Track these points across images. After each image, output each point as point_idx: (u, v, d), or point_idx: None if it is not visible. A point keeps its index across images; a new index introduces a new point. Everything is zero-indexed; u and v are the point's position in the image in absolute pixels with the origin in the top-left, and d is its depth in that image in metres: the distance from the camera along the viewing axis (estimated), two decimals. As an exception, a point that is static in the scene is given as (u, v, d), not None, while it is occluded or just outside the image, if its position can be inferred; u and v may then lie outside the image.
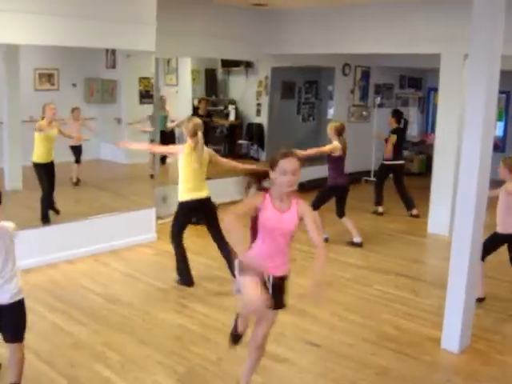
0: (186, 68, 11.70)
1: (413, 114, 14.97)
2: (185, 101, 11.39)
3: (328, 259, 7.65)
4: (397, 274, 7.31)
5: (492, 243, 6.05)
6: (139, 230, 8.11)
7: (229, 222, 3.82)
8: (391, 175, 10.38)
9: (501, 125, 13.94)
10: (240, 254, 3.82)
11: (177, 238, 6.65)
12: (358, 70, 13.08)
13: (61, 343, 5.22)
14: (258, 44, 10.60)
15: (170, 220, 6.96)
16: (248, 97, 12.31)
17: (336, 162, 8.18)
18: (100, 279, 6.85)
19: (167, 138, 10.09)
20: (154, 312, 5.96)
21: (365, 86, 13.35)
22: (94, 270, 7.16)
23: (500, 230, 6.18)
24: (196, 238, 7.71)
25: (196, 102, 11.63)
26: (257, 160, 12.02)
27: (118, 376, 4.69)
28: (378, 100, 13.36)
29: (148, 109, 9.12)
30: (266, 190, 3.89)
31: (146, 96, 9.21)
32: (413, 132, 14.83)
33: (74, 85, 9.06)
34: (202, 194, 6.54)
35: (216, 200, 6.93)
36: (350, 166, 9.42)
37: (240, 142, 12.64)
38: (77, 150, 8.84)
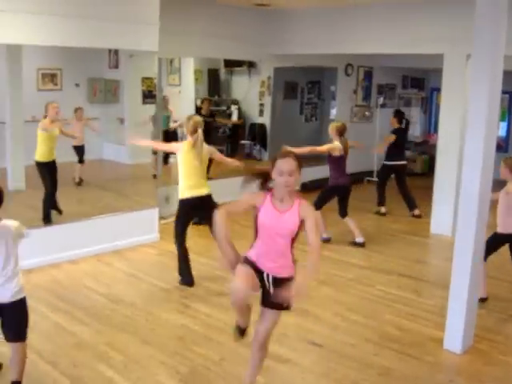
0: (188, 68, 11.71)
1: (415, 115, 14.96)
2: (188, 101, 11.40)
3: (330, 259, 7.72)
4: (399, 274, 7.31)
5: (493, 243, 6.04)
6: (142, 230, 8.11)
7: (217, 218, 3.93)
8: (393, 176, 10.37)
9: (504, 125, 13.93)
10: (222, 250, 3.91)
11: (180, 237, 6.66)
12: (361, 70, 13.07)
13: (63, 343, 5.23)
14: (261, 44, 10.60)
15: (172, 220, 6.96)
16: (251, 97, 12.32)
17: (337, 161, 8.19)
18: (103, 279, 6.86)
19: (170, 137, 10.09)
20: (157, 312, 5.97)
21: (367, 86, 13.35)
22: (96, 270, 7.17)
23: (500, 230, 6.18)
24: (198, 238, 7.72)
25: (199, 102, 11.65)
26: (259, 160, 12.04)
27: (121, 376, 4.69)
28: (381, 100, 13.35)
29: (151, 109, 9.13)
30: (269, 189, 3.90)
31: (148, 96, 9.22)
32: (415, 132, 14.82)
33: (77, 85, 9.08)
34: (202, 192, 6.53)
35: (218, 200, 6.91)
36: (352, 167, 9.45)
37: (243, 142, 12.66)
38: (80, 150, 8.85)
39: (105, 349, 5.13)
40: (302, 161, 3.87)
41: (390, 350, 5.27)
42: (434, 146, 10.45)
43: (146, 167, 9.55)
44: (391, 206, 10.33)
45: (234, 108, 12.68)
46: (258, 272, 3.95)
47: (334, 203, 8.41)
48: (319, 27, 10.20)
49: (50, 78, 8.65)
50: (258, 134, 12.24)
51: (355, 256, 7.98)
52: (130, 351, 5.11)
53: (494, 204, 5.70)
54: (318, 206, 8.17)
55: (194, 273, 6.78)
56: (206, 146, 6.54)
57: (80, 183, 9.00)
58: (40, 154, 7.79)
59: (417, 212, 10.02)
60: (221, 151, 11.50)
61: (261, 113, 12.07)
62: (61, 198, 7.86)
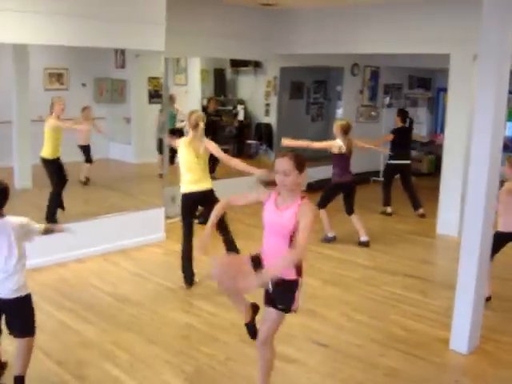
0: (195, 68, 11.72)
1: (422, 115, 14.93)
2: (194, 100, 11.40)
3: (336, 259, 7.72)
4: (405, 274, 7.30)
5: (495, 242, 6.01)
6: (148, 229, 8.12)
7: (218, 203, 4.31)
8: (398, 175, 10.36)
9: (510, 125, 13.88)
10: (206, 234, 4.22)
11: (183, 233, 6.67)
12: (367, 70, 13.06)
13: (69, 342, 5.24)
14: (267, 44, 10.60)
15: (178, 219, 6.96)
16: (257, 97, 12.32)
17: (339, 159, 8.22)
18: (109, 278, 6.87)
19: (176, 136, 10.11)
20: (163, 311, 5.97)
21: (374, 86, 13.33)
22: (103, 269, 7.18)
23: (501, 228, 6.15)
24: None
25: (205, 102, 11.65)
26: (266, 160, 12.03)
27: (127, 375, 4.70)
28: (387, 100, 13.34)
29: (157, 109, 9.16)
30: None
31: (155, 96, 9.25)
32: (422, 132, 14.79)
33: (84, 84, 9.09)
34: (201, 187, 6.51)
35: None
36: (358, 167, 9.44)
37: (249, 141, 12.66)
38: (86, 150, 8.86)
39: (111, 348, 5.15)
40: (304, 161, 3.86)
41: (395, 351, 5.27)
42: (440, 146, 10.42)
43: (152, 167, 9.57)
44: (397, 207, 10.31)
45: (240, 108, 12.68)
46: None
47: (340, 203, 8.41)
48: (325, 27, 10.19)
49: (57, 77, 8.67)
50: (264, 133, 12.23)
51: (361, 256, 7.97)
52: (136, 350, 5.12)
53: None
54: (322, 204, 8.19)
55: (198, 271, 6.77)
56: (206, 141, 6.52)
57: (86, 183, 9.01)
58: (47, 152, 7.82)
59: (421, 211, 10.00)
60: (226, 151, 11.56)
61: (267, 113, 12.06)
62: (67, 197, 7.88)
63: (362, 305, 6.33)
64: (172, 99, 10.54)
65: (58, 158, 7.90)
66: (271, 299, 4.07)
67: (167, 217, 8.51)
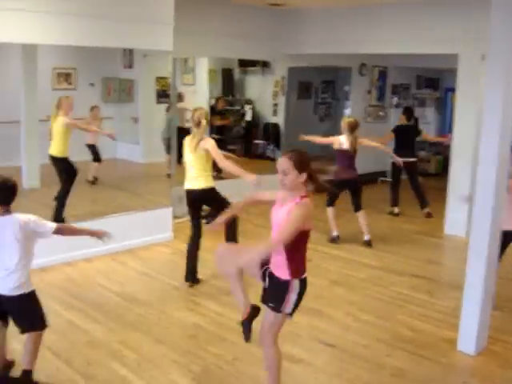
0: (203, 68, 11.74)
1: (430, 115, 14.89)
2: (202, 100, 11.41)
3: (342, 259, 7.72)
4: (412, 274, 7.29)
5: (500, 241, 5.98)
6: (156, 229, 8.14)
7: (245, 197, 4.45)
8: (406, 175, 10.34)
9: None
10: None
11: (193, 237, 6.69)
12: (375, 70, 13.03)
13: (77, 341, 5.26)
14: (275, 44, 10.60)
15: (186, 219, 6.97)
16: (265, 97, 12.32)
17: (341, 156, 8.28)
18: (116, 278, 6.89)
19: (184, 135, 10.12)
20: (170, 311, 5.99)
21: (381, 86, 13.29)
22: (110, 268, 7.20)
23: (505, 226, 6.11)
24: (210, 238, 7.70)
25: (213, 102, 11.67)
26: (273, 160, 12.03)
27: (135, 374, 4.72)
28: (395, 100, 13.31)
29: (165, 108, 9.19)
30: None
31: (163, 95, 9.26)
32: (430, 132, 14.75)
33: (92, 84, 9.11)
34: (199, 185, 6.51)
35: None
36: (366, 167, 9.44)
37: (256, 141, 12.67)
38: (93, 149, 8.88)
39: (118, 347, 5.16)
40: (306, 161, 3.86)
41: (402, 351, 5.26)
42: (448, 147, 10.39)
43: (159, 166, 9.58)
44: (405, 207, 10.29)
45: (247, 108, 12.69)
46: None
47: (349, 203, 8.41)
48: (333, 27, 10.19)
49: (65, 77, 8.70)
50: (272, 133, 12.24)
51: (368, 256, 7.96)
52: (144, 350, 5.13)
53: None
54: (329, 202, 8.22)
55: (206, 271, 6.81)
56: (206, 139, 6.45)
57: (94, 182, 9.03)
58: (58, 150, 7.83)
59: (427, 210, 9.98)
60: (233, 151, 11.57)
61: (274, 113, 12.06)
62: (75, 196, 7.88)
63: (368, 305, 6.32)
64: (180, 97, 10.56)
65: (67, 157, 7.93)
66: (266, 296, 4.12)
67: (175, 216, 8.52)
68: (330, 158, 8.58)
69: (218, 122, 11.54)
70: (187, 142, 6.58)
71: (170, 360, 4.97)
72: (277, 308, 4.01)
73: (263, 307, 4.20)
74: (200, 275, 6.76)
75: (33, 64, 7.61)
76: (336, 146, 8.23)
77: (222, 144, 10.25)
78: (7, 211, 4.19)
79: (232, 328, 5.53)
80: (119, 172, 9.93)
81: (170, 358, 5.01)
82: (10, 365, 4.59)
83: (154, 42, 7.76)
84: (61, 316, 5.74)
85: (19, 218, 4.19)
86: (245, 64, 12.37)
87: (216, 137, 10.75)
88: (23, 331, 4.29)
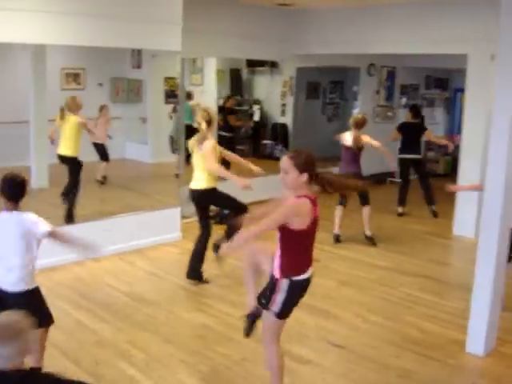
0: (211, 68, 11.75)
1: (439, 115, 14.85)
2: (210, 100, 11.42)
3: (351, 260, 7.70)
4: (421, 275, 7.27)
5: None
6: (164, 229, 8.14)
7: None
8: (415, 175, 10.32)
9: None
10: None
11: (200, 236, 6.71)
12: (384, 70, 13.01)
13: (85, 340, 5.27)
14: (283, 44, 10.59)
15: (194, 219, 6.98)
16: (273, 97, 12.32)
17: (344, 152, 8.35)
18: (125, 277, 6.90)
19: (192, 133, 10.13)
20: (178, 311, 5.99)
21: (390, 86, 13.27)
22: (118, 268, 7.21)
23: None
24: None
25: (221, 102, 11.68)
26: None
27: (143, 374, 4.72)
28: (404, 101, 13.28)
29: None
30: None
31: (171, 96, 9.27)
32: (439, 133, 14.71)
33: (100, 84, 9.14)
34: (198, 185, 6.55)
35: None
36: (374, 167, 9.43)
37: (264, 142, 12.67)
38: (100, 148, 8.89)
39: (126, 347, 5.17)
40: (309, 161, 3.86)
41: (410, 352, 5.25)
42: (457, 147, 10.36)
43: (168, 166, 9.59)
44: (413, 208, 10.27)
45: (255, 108, 12.70)
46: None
47: (356, 203, 8.40)
48: (342, 27, 10.18)
49: (74, 77, 8.73)
50: (280, 133, 12.23)
51: (376, 256, 7.94)
52: (152, 350, 5.14)
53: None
54: (340, 201, 8.24)
55: (214, 272, 6.84)
56: (206, 141, 6.42)
57: (103, 182, 9.06)
58: (72, 150, 7.88)
59: (434, 208, 9.95)
60: (242, 151, 11.58)
61: (283, 113, 12.06)
62: (83, 196, 7.92)
63: (377, 306, 6.31)
64: (190, 96, 10.58)
65: (78, 156, 7.96)
66: (261, 292, 4.15)
67: (183, 216, 8.53)
68: (338, 159, 8.59)
69: (235, 122, 11.58)
70: (192, 141, 6.63)
71: (178, 360, 4.98)
72: (265, 306, 4.03)
73: None
74: (208, 275, 6.77)
75: (42, 64, 7.63)
76: (342, 142, 8.29)
77: (231, 143, 10.29)
78: (15, 208, 4.20)
79: (240, 328, 5.50)
80: (127, 172, 9.95)
81: (178, 357, 5.01)
82: None
83: (163, 42, 7.77)
84: (69, 315, 5.76)
85: (23, 216, 4.21)
86: (253, 64, 12.37)
87: (227, 135, 10.77)
88: None
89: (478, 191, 7.43)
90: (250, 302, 4.41)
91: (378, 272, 7.36)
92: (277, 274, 3.98)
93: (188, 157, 10.03)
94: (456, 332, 5.60)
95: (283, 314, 4.01)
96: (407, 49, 9.67)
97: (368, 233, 8.43)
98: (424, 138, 10.39)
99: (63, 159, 7.87)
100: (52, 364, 4.53)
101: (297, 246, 3.93)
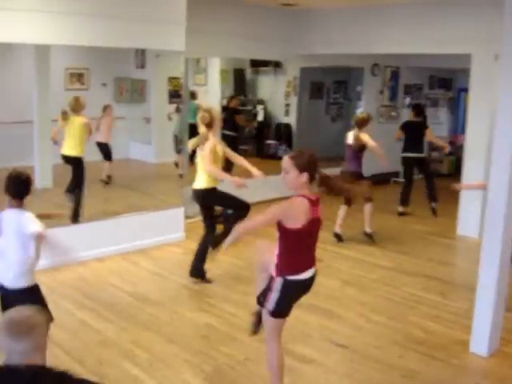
0: (215, 68, 11.76)
1: (442, 115, 14.84)
2: (214, 100, 11.44)
3: (354, 260, 7.71)
4: (424, 275, 7.26)
5: None
6: (168, 229, 8.15)
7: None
8: (420, 174, 10.31)
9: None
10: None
11: (203, 236, 6.73)
12: (388, 70, 13.00)
13: (89, 340, 5.27)
14: (287, 44, 10.59)
15: (198, 219, 6.99)
16: (276, 97, 12.33)
17: (346, 150, 8.46)
18: (128, 277, 6.91)
19: (197, 132, 10.12)
20: (182, 311, 6.00)
21: (394, 86, 13.26)
22: (122, 268, 7.22)
23: None
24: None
25: (225, 102, 11.69)
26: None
27: (147, 374, 4.73)
28: (408, 100, 13.27)
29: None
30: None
31: (175, 96, 9.28)
32: (442, 133, 14.70)
33: (104, 84, 9.15)
34: (198, 185, 6.60)
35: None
36: (378, 167, 9.39)
37: (268, 141, 12.67)
38: (104, 148, 8.90)
39: (130, 347, 5.17)
40: (309, 161, 3.87)
41: (414, 352, 5.24)
42: (461, 147, 10.35)
43: (171, 166, 9.60)
44: (416, 208, 10.25)
45: (259, 108, 12.70)
46: None
47: (360, 204, 8.40)
48: (345, 27, 10.17)
49: (78, 77, 8.74)
50: (284, 133, 12.24)
51: (379, 256, 7.94)
52: (155, 349, 5.14)
53: None
54: (345, 200, 8.25)
55: (218, 272, 6.88)
56: (207, 142, 6.47)
57: (108, 182, 9.07)
58: (79, 150, 7.89)
59: (434, 205, 9.94)
60: (246, 151, 11.59)
61: (286, 113, 12.07)
62: (87, 196, 7.91)
63: (380, 305, 6.31)
64: (194, 96, 10.59)
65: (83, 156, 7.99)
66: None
67: (187, 216, 8.53)
68: (341, 159, 8.59)
69: (243, 122, 11.61)
70: (191, 142, 6.73)
71: (181, 360, 4.98)
72: (262, 302, 4.06)
73: None
74: (211, 275, 6.78)
75: (45, 64, 7.65)
76: (345, 141, 8.45)
77: (234, 143, 10.29)
78: (20, 206, 4.23)
79: (244, 328, 5.53)
80: (131, 172, 9.97)
81: (181, 357, 5.02)
82: None
83: (167, 42, 7.77)
84: (73, 315, 5.77)
85: (22, 214, 4.23)
86: (257, 64, 12.38)
87: (231, 134, 10.77)
88: None
89: (482, 190, 7.43)
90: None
91: (381, 272, 7.36)
92: (273, 273, 4.01)
93: (192, 157, 10.08)
94: (460, 332, 5.60)
95: (277, 312, 4.02)
96: (411, 49, 9.67)
97: (368, 230, 8.45)
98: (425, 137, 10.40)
99: (68, 159, 7.87)
100: (55, 363, 4.52)
101: (293, 245, 3.94)
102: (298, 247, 3.95)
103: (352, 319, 5.92)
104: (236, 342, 5.33)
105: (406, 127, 10.21)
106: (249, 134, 12.71)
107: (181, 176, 9.19)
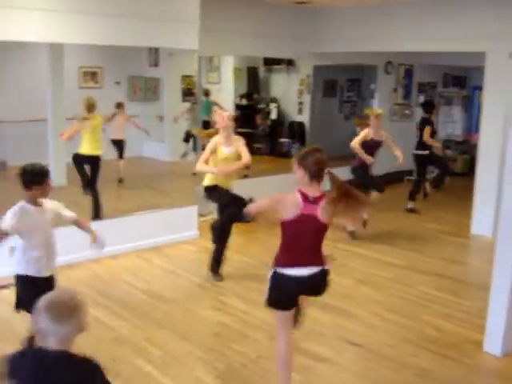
0: (228, 66, 11.78)
1: (456, 113, 14.77)
2: (227, 98, 11.45)
3: (368, 258, 7.68)
4: (438, 274, 7.24)
5: None
6: (181, 227, 8.16)
7: None
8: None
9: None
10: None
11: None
12: (401, 68, 12.95)
13: (103, 338, 5.29)
14: (300, 42, 10.58)
15: (211, 217, 7.01)
16: (290, 95, 12.33)
17: None
18: (142, 275, 6.93)
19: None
20: (195, 308, 6.01)
21: (407, 84, 13.21)
22: (136, 265, 7.24)
23: None
24: (236, 236, 7.71)
25: (238, 100, 11.70)
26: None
27: (160, 371, 4.74)
28: (422, 99, 13.21)
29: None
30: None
31: (188, 94, 9.30)
32: (456, 131, 14.64)
33: (118, 83, 9.19)
34: (204, 182, 6.77)
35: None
36: (391, 166, 9.39)
37: (281, 140, 12.67)
38: (119, 145, 8.94)
39: (144, 344, 5.19)
40: (306, 158, 3.92)
41: (427, 351, 5.23)
42: (474, 146, 10.30)
43: (185, 165, 9.62)
44: (430, 207, 10.22)
45: (272, 106, 12.71)
46: None
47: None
48: (359, 25, 10.15)
49: (91, 76, 8.79)
50: (297, 132, 12.23)
51: (392, 255, 7.91)
52: (169, 347, 5.16)
53: None
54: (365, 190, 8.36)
55: (230, 270, 6.90)
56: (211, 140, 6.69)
57: (121, 180, 9.11)
58: (100, 149, 7.92)
59: (428, 190, 10.02)
60: (259, 149, 11.60)
61: (300, 111, 12.06)
62: (101, 194, 7.94)
63: (394, 304, 6.29)
64: (207, 94, 10.61)
65: None
66: None
67: (200, 214, 8.55)
68: (354, 158, 8.57)
69: (260, 122, 11.67)
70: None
71: (194, 357, 4.99)
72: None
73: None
74: (224, 273, 6.81)
75: (59, 63, 7.69)
76: None
77: (248, 141, 10.31)
78: (26, 197, 4.27)
79: (256, 326, 5.55)
80: (145, 170, 10.00)
81: (194, 355, 5.03)
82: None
83: (180, 40, 7.79)
84: (87, 312, 5.77)
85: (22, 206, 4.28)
86: (270, 62, 12.38)
87: (242, 131, 10.79)
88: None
89: (496, 188, 7.42)
90: None
91: (394, 270, 7.34)
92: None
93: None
94: (473, 331, 5.58)
95: (270, 302, 4.13)
96: (425, 46, 9.64)
97: (350, 228, 8.47)
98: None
99: (88, 159, 7.87)
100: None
101: (285, 238, 4.04)
102: (288, 240, 4.03)
103: (366, 318, 5.91)
104: (248, 339, 5.34)
105: (418, 124, 10.26)
106: (262, 132, 12.72)
107: (194, 174, 9.20)
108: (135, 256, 7.51)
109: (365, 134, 8.40)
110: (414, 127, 12.44)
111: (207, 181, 6.70)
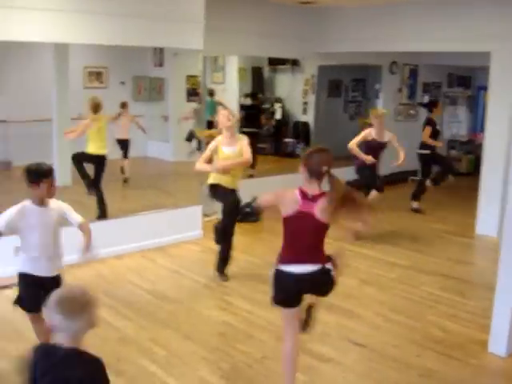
0: (232, 66, 11.76)
1: (461, 113, 14.74)
2: (232, 98, 11.44)
3: (372, 258, 7.67)
4: (443, 274, 7.23)
5: None
6: (186, 226, 8.17)
7: None
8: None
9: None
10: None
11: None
12: (406, 68, 12.94)
13: (108, 337, 5.29)
14: (305, 42, 10.57)
15: (215, 217, 7.01)
16: (294, 95, 12.32)
17: None
18: (147, 275, 6.94)
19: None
20: (199, 308, 6.02)
21: (412, 84, 13.20)
22: (141, 265, 7.25)
23: None
24: (241, 236, 7.72)
25: (243, 100, 11.70)
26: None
27: (164, 371, 4.75)
28: (426, 99, 13.19)
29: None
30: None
31: (193, 94, 9.30)
32: (461, 131, 14.62)
33: (123, 83, 9.20)
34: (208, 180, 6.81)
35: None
36: (395, 166, 9.37)
37: (286, 140, 12.66)
38: (124, 145, 8.95)
39: (148, 344, 5.20)
40: (309, 157, 3.99)
41: (432, 352, 5.22)
42: (479, 146, 10.29)
43: (189, 164, 9.61)
44: (435, 207, 10.21)
45: (277, 106, 12.70)
46: None
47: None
48: (364, 25, 10.14)
49: (96, 76, 8.80)
50: (302, 132, 12.23)
51: (396, 255, 7.90)
52: (173, 347, 5.17)
53: None
54: (379, 187, 8.31)
55: (236, 270, 6.90)
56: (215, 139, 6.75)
57: (126, 180, 9.12)
58: (105, 149, 7.94)
59: (428, 183, 10.00)
60: (263, 149, 11.59)
61: (304, 111, 12.05)
62: (106, 194, 7.96)
63: (398, 305, 6.29)
64: (212, 94, 10.62)
65: None
66: None
67: (204, 214, 8.55)
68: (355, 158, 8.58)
69: (265, 121, 11.68)
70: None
71: (199, 357, 5.00)
72: None
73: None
74: (229, 273, 6.81)
75: (64, 63, 7.71)
76: None
77: (252, 141, 10.30)
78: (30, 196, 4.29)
79: (261, 326, 5.55)
80: (149, 170, 10.01)
81: (199, 355, 5.04)
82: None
83: (185, 40, 7.79)
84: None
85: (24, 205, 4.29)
86: (274, 62, 12.38)
87: (246, 130, 10.79)
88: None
89: (501, 188, 7.40)
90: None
91: (399, 271, 7.34)
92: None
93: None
94: (478, 332, 5.57)
95: (274, 299, 4.16)
96: (430, 47, 9.63)
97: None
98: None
99: (95, 158, 7.89)
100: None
101: (286, 235, 4.10)
102: (287, 237, 4.08)
103: (370, 318, 5.91)
104: (253, 339, 5.34)
105: (423, 124, 10.26)
106: (267, 132, 12.71)
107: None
108: (140, 256, 7.51)
109: (365, 134, 8.40)
110: (419, 127, 12.43)
111: (211, 179, 6.73)
